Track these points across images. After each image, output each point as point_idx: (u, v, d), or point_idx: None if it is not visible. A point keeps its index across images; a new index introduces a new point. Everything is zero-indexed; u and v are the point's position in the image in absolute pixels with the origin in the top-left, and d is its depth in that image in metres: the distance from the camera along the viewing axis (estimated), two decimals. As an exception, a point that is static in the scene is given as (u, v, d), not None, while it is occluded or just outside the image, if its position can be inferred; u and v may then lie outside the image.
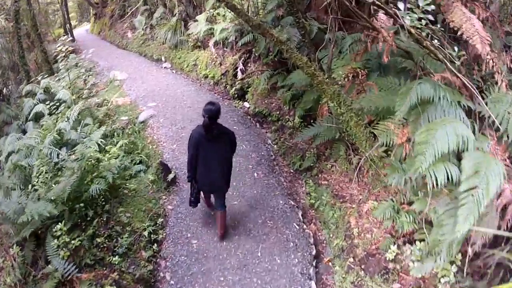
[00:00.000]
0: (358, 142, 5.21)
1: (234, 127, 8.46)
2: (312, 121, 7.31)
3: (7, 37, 12.72)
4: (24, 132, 10.46)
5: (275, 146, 7.96)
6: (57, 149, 7.03)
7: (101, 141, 7.19)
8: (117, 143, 8.09)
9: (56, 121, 8.58)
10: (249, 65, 10.66)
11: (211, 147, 4.87)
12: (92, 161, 6.10)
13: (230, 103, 10.06)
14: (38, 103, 10.52)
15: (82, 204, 5.34)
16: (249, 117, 9.24)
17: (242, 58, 10.72)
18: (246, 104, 9.95)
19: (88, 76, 13.52)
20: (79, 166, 5.53)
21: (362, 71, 5.46)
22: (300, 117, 7.77)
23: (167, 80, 11.94)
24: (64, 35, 21.28)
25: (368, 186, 5.72)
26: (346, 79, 5.66)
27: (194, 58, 12.31)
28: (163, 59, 14.06)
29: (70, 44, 17.68)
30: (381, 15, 5.85)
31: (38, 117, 10.24)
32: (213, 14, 11.90)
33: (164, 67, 13.55)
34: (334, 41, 6.47)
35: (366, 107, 4.82)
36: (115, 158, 7.52)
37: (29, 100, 10.82)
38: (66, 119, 8.25)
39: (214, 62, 11.38)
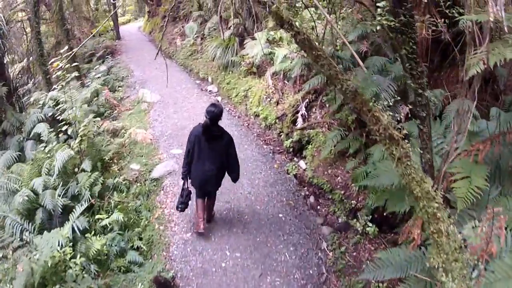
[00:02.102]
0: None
1: (280, 215, 6.08)
2: (389, 226, 5.43)
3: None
4: (22, 151, 8.86)
5: (331, 253, 5.53)
6: (21, 223, 5.22)
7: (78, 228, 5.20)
8: (115, 206, 6.06)
9: (41, 164, 6.60)
10: (313, 110, 8.29)
11: (208, 146, 5.08)
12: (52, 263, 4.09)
13: (281, 163, 7.66)
14: (42, 120, 8.82)
15: None
16: (302, 191, 6.85)
17: (306, 100, 8.36)
18: (302, 164, 7.62)
19: (118, 87, 11.72)
20: None
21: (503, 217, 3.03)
22: (370, 213, 5.68)
23: (207, 113, 9.67)
24: (111, 30, 20.01)
25: None
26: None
27: (246, 87, 10.07)
28: (209, 79, 11.98)
29: (110, 44, 16.25)
30: None
31: (39, 137, 8.53)
32: (275, 37, 9.64)
33: (209, 91, 11.44)
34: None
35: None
36: (105, 236, 5.56)
37: (35, 113, 9.16)
38: (50, 165, 6.31)
39: (269, 99, 9.10)
